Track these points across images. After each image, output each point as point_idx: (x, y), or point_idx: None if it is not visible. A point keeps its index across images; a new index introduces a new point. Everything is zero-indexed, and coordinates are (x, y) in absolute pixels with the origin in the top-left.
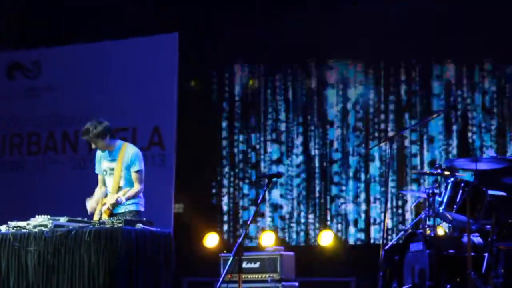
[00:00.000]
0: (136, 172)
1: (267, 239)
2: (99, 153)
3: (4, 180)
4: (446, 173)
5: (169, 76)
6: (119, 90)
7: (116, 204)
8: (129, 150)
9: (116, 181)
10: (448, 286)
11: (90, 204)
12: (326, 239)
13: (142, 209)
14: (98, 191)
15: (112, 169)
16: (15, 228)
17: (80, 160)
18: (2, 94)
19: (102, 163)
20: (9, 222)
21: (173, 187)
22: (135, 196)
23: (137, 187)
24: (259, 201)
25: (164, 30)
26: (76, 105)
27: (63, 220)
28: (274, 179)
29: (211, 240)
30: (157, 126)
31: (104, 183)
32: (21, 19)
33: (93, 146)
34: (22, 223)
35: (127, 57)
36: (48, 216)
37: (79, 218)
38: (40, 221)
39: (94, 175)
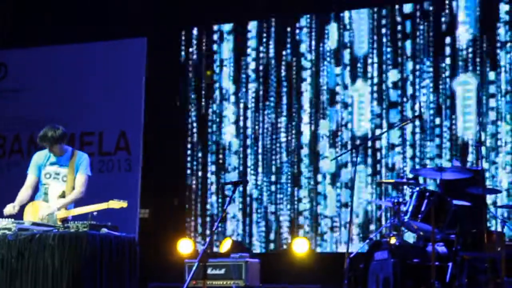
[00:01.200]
0: (84, 176)
1: (226, 246)
2: (41, 156)
3: None
4: (412, 182)
5: (136, 81)
6: (86, 94)
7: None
8: (82, 156)
9: (69, 187)
10: None
11: (11, 207)
12: (300, 246)
13: None
14: (24, 193)
15: (58, 174)
16: None
17: None
18: None
19: (46, 167)
20: None
21: (139, 192)
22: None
23: (83, 190)
24: (225, 207)
25: (133, 35)
26: (42, 108)
27: (27, 223)
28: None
29: (183, 246)
30: (124, 131)
31: (33, 186)
32: None
33: (49, 151)
34: None
35: (94, 60)
36: (12, 220)
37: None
38: (3, 224)
39: None
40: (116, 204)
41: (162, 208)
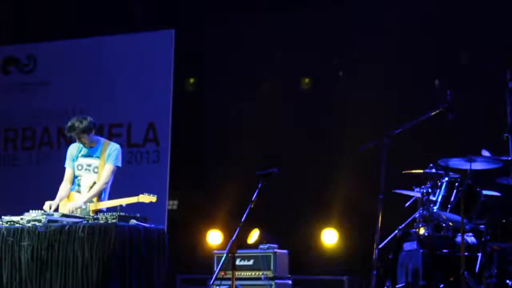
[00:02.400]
0: (112, 166)
1: (254, 237)
2: (74, 148)
3: None
4: (440, 172)
5: (164, 72)
6: (114, 86)
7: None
8: (112, 147)
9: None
10: (442, 285)
11: (49, 206)
12: (329, 237)
13: None
14: (63, 188)
15: (89, 165)
16: (8, 223)
17: None
18: None
19: (78, 159)
20: (2, 217)
21: (167, 183)
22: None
23: (107, 180)
24: (253, 199)
25: (161, 27)
26: (71, 101)
27: (56, 215)
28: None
29: (212, 237)
30: (152, 122)
31: (71, 179)
32: (17, 13)
33: (78, 141)
34: (15, 218)
35: (123, 52)
36: (42, 211)
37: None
38: (33, 216)
39: None
40: (146, 198)
41: (190, 199)
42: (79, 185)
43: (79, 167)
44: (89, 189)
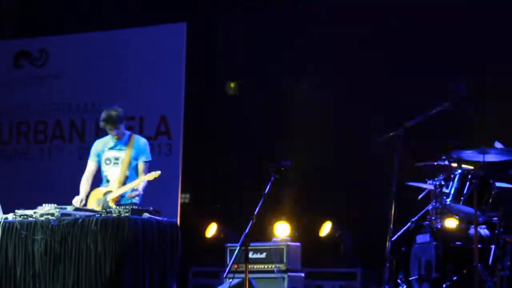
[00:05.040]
0: (146, 162)
1: (281, 230)
2: (99, 144)
3: (11, 168)
4: (453, 164)
5: (176, 65)
6: (126, 79)
7: (135, 196)
8: (140, 140)
9: (123, 171)
10: (455, 278)
11: (79, 201)
12: (325, 230)
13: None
14: (85, 183)
15: (117, 158)
16: (22, 217)
17: (87, 149)
18: (9, 82)
19: (104, 152)
20: (16, 210)
21: (180, 176)
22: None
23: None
24: (265, 192)
25: (172, 20)
26: (83, 94)
27: (70, 208)
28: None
29: (212, 230)
30: (164, 116)
31: (93, 173)
32: (28, 7)
33: (111, 133)
34: (29, 212)
35: (134, 46)
36: (55, 205)
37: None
38: (47, 210)
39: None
40: (150, 176)
41: (201, 193)
42: (108, 181)
43: (107, 161)
44: (118, 183)
